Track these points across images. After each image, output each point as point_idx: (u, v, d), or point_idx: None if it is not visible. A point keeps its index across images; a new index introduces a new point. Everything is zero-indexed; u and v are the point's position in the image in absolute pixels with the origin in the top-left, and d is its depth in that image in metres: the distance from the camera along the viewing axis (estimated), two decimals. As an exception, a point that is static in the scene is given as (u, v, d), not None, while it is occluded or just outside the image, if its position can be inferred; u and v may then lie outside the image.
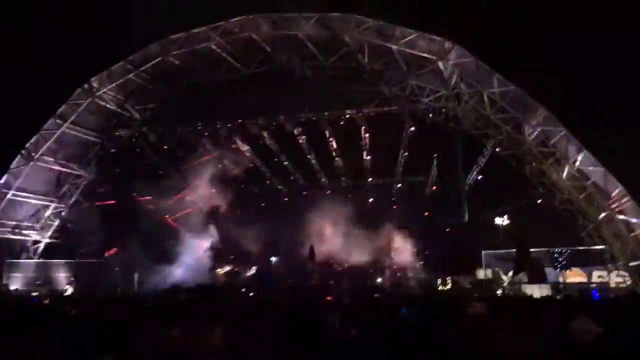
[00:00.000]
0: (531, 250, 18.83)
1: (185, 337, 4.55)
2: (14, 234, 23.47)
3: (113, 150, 23.44)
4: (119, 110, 23.22)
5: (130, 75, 21.77)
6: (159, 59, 21.21)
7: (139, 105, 23.44)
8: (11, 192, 22.26)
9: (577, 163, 18.43)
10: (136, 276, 21.43)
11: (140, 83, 22.37)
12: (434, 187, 22.05)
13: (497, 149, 20.46)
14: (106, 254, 23.10)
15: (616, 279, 18.82)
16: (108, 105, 22.75)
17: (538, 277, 17.71)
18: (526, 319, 6.26)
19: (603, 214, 18.62)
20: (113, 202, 23.43)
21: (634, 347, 5.07)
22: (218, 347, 4.19)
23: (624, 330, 6.36)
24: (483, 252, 21.09)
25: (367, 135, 21.25)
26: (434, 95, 19.90)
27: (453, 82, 19.18)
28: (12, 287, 21.85)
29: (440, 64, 18.67)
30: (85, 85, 21.88)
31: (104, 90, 22.05)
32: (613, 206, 18.20)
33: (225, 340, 4.33)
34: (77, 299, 14.71)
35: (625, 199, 17.81)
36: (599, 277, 19.34)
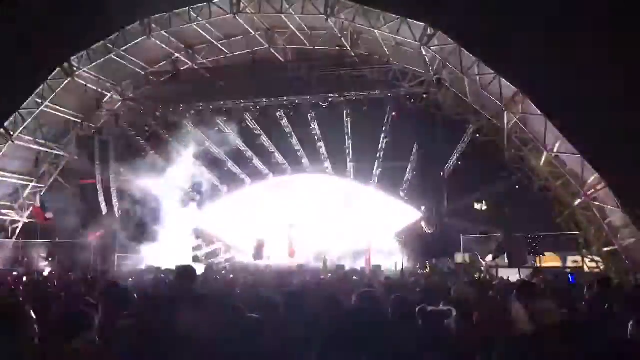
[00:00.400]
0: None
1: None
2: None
3: (93, 130, 23.23)
4: (99, 90, 23.00)
5: (111, 55, 21.53)
6: (140, 39, 21.01)
7: (120, 85, 23.23)
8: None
9: (555, 150, 18.70)
10: (115, 257, 21.42)
11: (121, 63, 22.12)
12: (414, 172, 22.24)
13: (477, 135, 20.70)
14: (89, 237, 22.95)
15: (590, 264, 19.25)
16: (88, 85, 22.49)
17: (520, 261, 18.00)
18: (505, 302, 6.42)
19: (578, 200, 18.98)
20: (93, 181, 23.24)
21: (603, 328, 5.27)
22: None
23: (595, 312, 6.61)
24: (462, 236, 21.43)
25: (348, 119, 21.33)
26: (416, 80, 20.03)
27: (435, 67, 19.31)
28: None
29: (423, 49, 18.76)
30: (65, 64, 21.63)
31: (84, 69, 21.81)
32: (588, 193, 18.54)
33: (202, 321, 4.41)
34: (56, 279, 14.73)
35: (600, 186, 18.14)
36: (574, 262, 19.76)
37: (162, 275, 15.63)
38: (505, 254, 18.58)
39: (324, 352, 3.79)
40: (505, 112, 18.62)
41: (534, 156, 19.44)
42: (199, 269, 12.66)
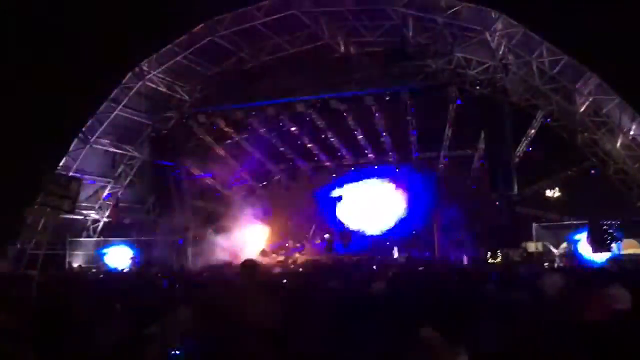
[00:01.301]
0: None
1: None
2: (74, 214, 24.53)
3: (164, 131, 24.05)
4: (168, 92, 23.82)
5: (179, 58, 22.26)
6: (206, 40, 21.58)
7: (188, 86, 23.98)
8: (70, 174, 23.21)
9: (632, 132, 17.93)
10: (190, 251, 22.14)
11: (188, 65, 22.84)
12: (481, 161, 21.79)
13: (547, 120, 20.10)
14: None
15: (674, 249, 18.34)
16: (158, 88, 23.37)
17: (602, 247, 17.43)
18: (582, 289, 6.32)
19: (659, 184, 18.15)
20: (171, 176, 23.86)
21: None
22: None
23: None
24: (533, 224, 20.86)
25: (413, 110, 21.11)
26: (480, 67, 19.57)
27: (500, 52, 18.82)
28: (75, 264, 22.97)
29: (487, 34, 18.34)
30: (136, 69, 22.54)
31: (154, 73, 22.67)
32: (670, 175, 17.70)
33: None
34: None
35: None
36: (657, 248, 18.86)
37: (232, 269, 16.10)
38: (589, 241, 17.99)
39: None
40: (577, 95, 17.98)
41: (609, 139, 18.71)
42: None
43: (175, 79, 23.57)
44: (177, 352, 3.99)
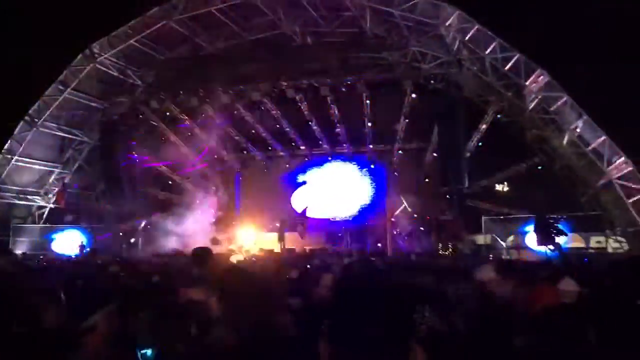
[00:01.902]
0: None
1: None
2: (19, 199, 23.80)
3: (115, 116, 23.43)
4: (120, 76, 23.17)
5: (132, 41, 21.67)
6: (160, 24, 21.07)
7: (141, 71, 23.39)
8: (15, 157, 22.50)
9: (578, 129, 18.44)
10: (140, 240, 21.74)
11: (141, 49, 22.27)
12: (434, 154, 22.08)
13: (498, 116, 20.50)
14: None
15: (614, 244, 19.02)
16: (110, 71, 22.71)
17: (547, 241, 17.88)
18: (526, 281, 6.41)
19: (602, 181, 18.72)
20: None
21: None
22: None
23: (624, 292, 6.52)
24: (483, 217, 21.32)
25: (368, 101, 21.20)
26: (435, 61, 19.77)
27: (455, 48, 19.06)
28: (18, 251, 22.21)
29: (442, 29, 18.54)
30: (87, 51, 21.83)
31: (106, 56, 22.00)
32: (613, 172, 18.28)
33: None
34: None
35: (624, 165, 17.89)
36: (597, 242, 19.55)
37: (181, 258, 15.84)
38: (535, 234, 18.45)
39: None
40: (527, 92, 18.37)
41: (556, 136, 19.22)
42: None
43: (127, 63, 22.94)
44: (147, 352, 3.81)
